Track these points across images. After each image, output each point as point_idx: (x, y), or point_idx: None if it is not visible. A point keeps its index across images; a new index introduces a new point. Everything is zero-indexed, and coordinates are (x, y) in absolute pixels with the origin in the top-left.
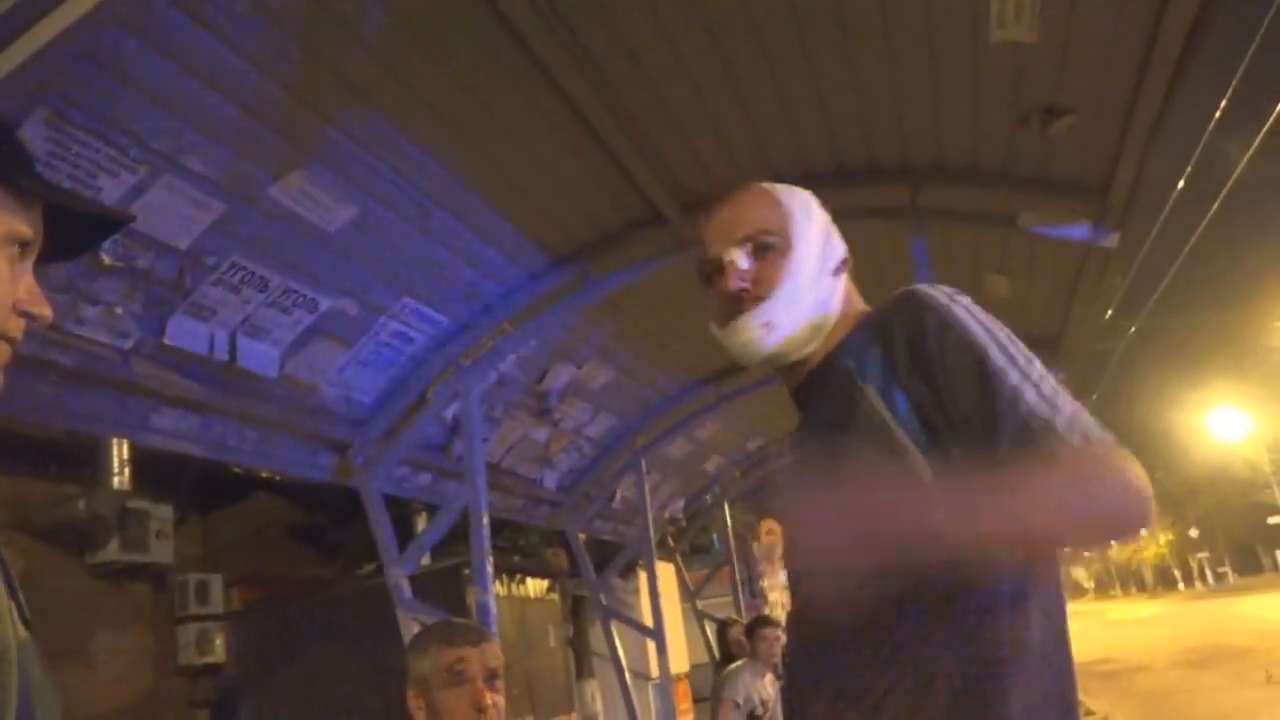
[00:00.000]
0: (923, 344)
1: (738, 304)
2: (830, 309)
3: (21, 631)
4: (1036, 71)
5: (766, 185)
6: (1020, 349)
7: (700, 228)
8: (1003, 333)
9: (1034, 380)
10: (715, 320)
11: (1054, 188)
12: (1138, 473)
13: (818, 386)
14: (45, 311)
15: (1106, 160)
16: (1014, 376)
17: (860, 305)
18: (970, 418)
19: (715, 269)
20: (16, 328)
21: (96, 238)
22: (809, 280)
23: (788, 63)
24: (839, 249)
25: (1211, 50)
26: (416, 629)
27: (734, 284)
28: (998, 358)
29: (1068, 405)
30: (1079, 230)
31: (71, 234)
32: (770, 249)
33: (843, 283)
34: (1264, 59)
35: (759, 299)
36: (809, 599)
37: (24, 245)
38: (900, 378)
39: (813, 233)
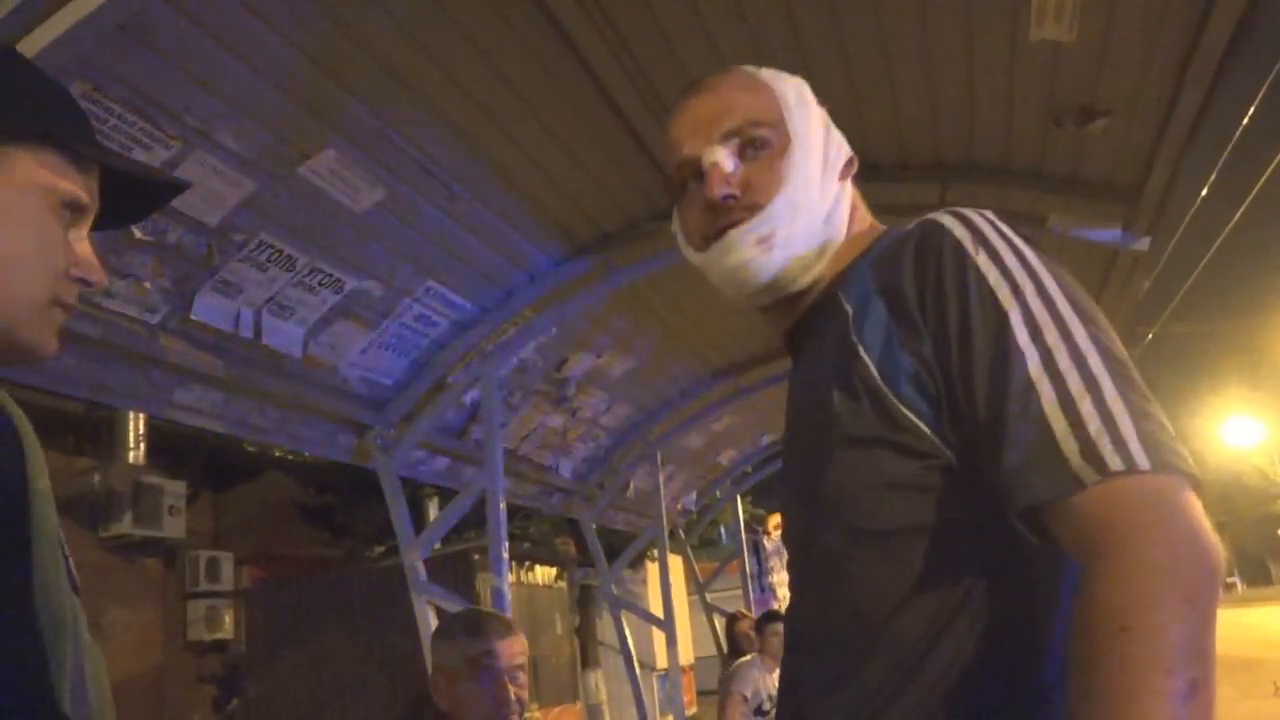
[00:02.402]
0: (934, 301)
1: (725, 216)
2: (838, 222)
3: (73, 597)
4: (1073, 72)
5: (750, 68)
6: (1059, 309)
7: (667, 125)
8: (1032, 287)
9: (1061, 368)
10: (692, 242)
11: (1086, 189)
12: (1186, 514)
13: (814, 327)
14: (100, 278)
15: (1140, 164)
16: (1033, 362)
17: (868, 222)
18: (976, 413)
19: (691, 174)
20: (70, 293)
21: (148, 206)
22: (814, 183)
23: (822, 55)
24: (844, 148)
25: (1250, 57)
26: (431, 612)
27: (719, 190)
28: (1020, 331)
29: (1094, 412)
30: (1109, 234)
31: (123, 201)
32: (764, 145)
33: (849, 191)
34: None
35: (753, 207)
36: (800, 594)
37: (79, 210)
38: (904, 342)
39: (813, 123)
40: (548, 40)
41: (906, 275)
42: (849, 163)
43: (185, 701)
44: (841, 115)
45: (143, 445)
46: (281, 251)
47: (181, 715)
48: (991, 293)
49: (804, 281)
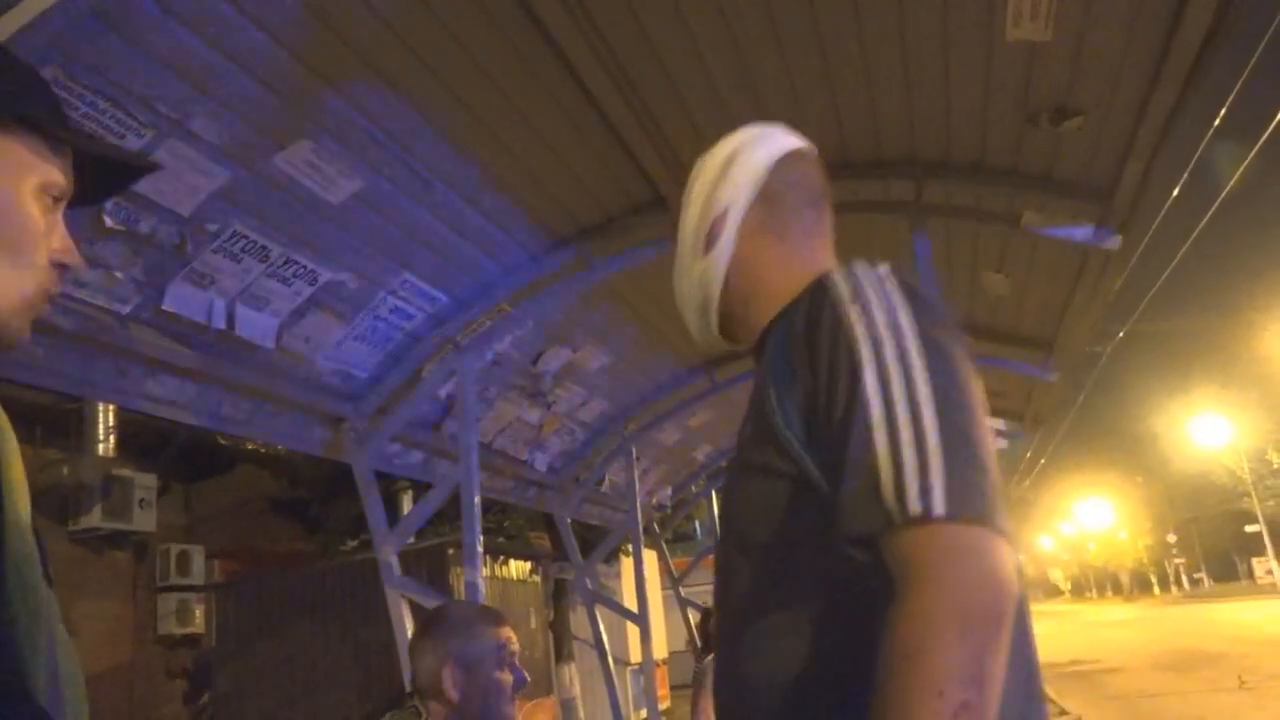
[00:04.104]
0: (812, 352)
1: None
2: (709, 292)
3: (47, 588)
4: (1048, 71)
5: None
6: (911, 364)
7: None
8: (891, 343)
9: (899, 419)
10: None
11: (1059, 188)
12: (973, 559)
13: (758, 359)
14: (78, 262)
15: (1113, 163)
16: (876, 412)
17: (797, 262)
18: (832, 450)
19: None
20: (54, 280)
21: (116, 185)
22: (681, 272)
23: (800, 51)
24: (713, 211)
25: (1221, 59)
26: (405, 607)
27: None
28: (870, 382)
29: (914, 461)
30: (1082, 232)
31: (91, 181)
32: None
33: (724, 254)
34: (1265, 70)
35: None
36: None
37: (57, 195)
38: (795, 386)
39: (689, 216)
40: (526, 33)
41: (799, 328)
42: (715, 224)
43: (155, 696)
44: (819, 112)
45: (113, 438)
46: (255, 242)
47: (151, 710)
48: (854, 346)
49: (713, 338)
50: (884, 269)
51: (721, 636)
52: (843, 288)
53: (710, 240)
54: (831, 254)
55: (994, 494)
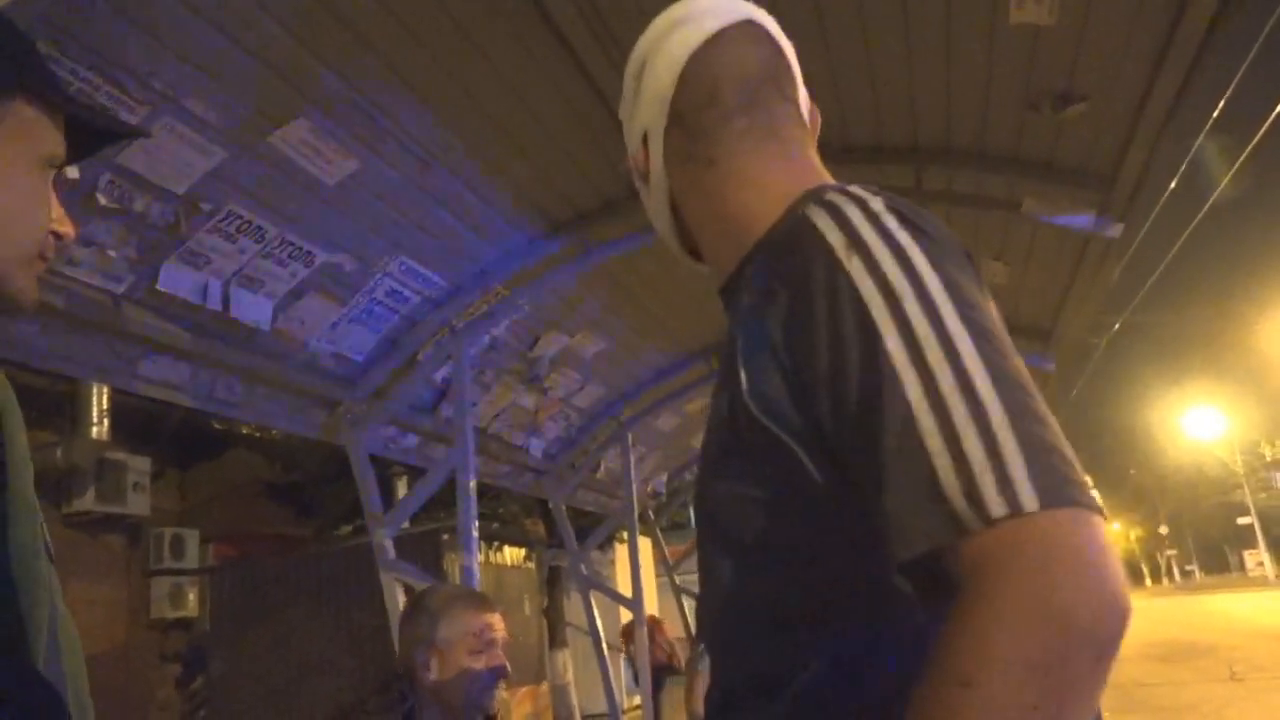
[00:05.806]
0: (805, 326)
1: None
2: (657, 222)
3: (48, 564)
4: (1051, 56)
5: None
6: (944, 320)
7: None
8: (913, 294)
9: (944, 393)
10: None
11: (1060, 175)
12: (1069, 560)
13: (731, 302)
14: (71, 230)
15: (1115, 150)
16: (913, 389)
17: (753, 194)
18: (854, 446)
19: None
20: (51, 249)
21: (96, 148)
22: (656, 194)
23: (801, 33)
24: (636, 137)
25: (1224, 48)
26: (399, 591)
27: None
28: (896, 352)
29: (980, 446)
30: (1083, 219)
31: (77, 144)
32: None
33: (659, 186)
34: (1266, 59)
35: None
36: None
37: (57, 164)
38: (779, 359)
39: (625, 130)
40: (525, 14)
41: (779, 296)
42: (640, 146)
43: (149, 679)
44: (819, 97)
45: (106, 421)
46: (250, 222)
47: (145, 693)
48: (865, 310)
49: (689, 262)
50: (874, 199)
51: (707, 641)
52: (832, 235)
53: (641, 170)
54: (798, 153)
55: (1077, 465)
